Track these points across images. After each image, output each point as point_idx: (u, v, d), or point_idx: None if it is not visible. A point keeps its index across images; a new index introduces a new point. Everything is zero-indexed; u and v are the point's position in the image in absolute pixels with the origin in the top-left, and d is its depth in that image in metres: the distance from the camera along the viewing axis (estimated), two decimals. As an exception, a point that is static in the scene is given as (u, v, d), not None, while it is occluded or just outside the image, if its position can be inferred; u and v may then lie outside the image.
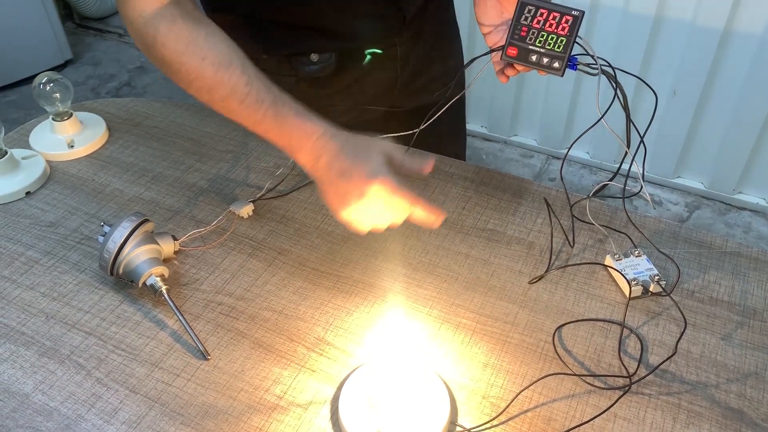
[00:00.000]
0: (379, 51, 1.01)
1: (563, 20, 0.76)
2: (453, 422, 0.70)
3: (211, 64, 0.75)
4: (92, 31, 3.26)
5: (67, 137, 1.06)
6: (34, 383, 0.74)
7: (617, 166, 2.25)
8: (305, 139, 0.76)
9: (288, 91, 1.05)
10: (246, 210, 0.93)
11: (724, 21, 1.85)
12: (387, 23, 0.99)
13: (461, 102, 1.21)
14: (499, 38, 0.85)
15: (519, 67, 0.82)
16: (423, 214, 0.74)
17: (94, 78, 2.94)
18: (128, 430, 0.69)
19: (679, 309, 0.80)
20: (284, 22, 0.95)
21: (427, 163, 0.77)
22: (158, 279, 0.80)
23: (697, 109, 2.04)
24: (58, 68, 2.91)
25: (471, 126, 2.46)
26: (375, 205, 0.73)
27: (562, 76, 0.80)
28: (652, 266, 0.83)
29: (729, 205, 2.19)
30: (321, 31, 0.96)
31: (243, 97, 0.76)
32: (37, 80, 1.04)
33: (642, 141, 0.82)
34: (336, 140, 0.75)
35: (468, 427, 0.69)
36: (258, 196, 0.97)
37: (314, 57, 0.98)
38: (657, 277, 0.81)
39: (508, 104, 2.35)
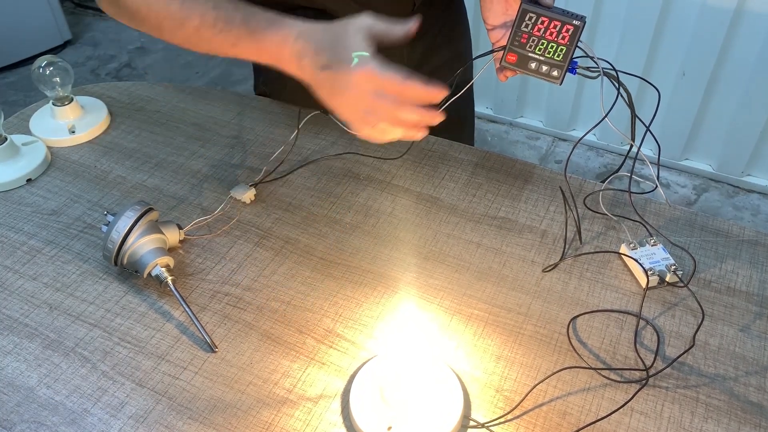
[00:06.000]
0: (366, 54, 0.98)
1: (564, 29, 0.75)
2: (466, 416, 0.68)
3: (177, 1, 0.75)
4: (91, 11, 3.22)
5: (68, 122, 1.04)
6: (38, 376, 0.73)
7: (624, 148, 2.25)
8: (282, 47, 0.74)
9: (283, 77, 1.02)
10: (248, 195, 0.91)
11: (736, 0, 1.81)
12: (395, 10, 0.97)
13: (469, 89, 1.18)
14: (502, 35, 0.84)
15: (519, 71, 0.81)
16: (420, 92, 0.69)
17: (94, 59, 2.90)
18: (135, 424, 0.68)
19: (697, 300, 0.78)
20: (289, 5, 0.93)
21: (411, 25, 0.73)
22: (164, 269, 0.78)
23: (707, 90, 2.01)
24: (57, 49, 2.88)
25: (476, 108, 2.42)
26: (368, 94, 0.70)
27: (560, 84, 0.79)
28: (668, 255, 0.81)
29: (737, 187, 2.17)
30: (329, 18, 0.93)
31: (213, 21, 0.75)
32: (36, 63, 1.01)
33: (648, 130, 0.79)
34: (311, 38, 0.73)
35: (482, 421, 0.68)
36: (257, 180, 0.94)
37: None
38: (673, 267, 0.79)
39: (514, 85, 2.32)
